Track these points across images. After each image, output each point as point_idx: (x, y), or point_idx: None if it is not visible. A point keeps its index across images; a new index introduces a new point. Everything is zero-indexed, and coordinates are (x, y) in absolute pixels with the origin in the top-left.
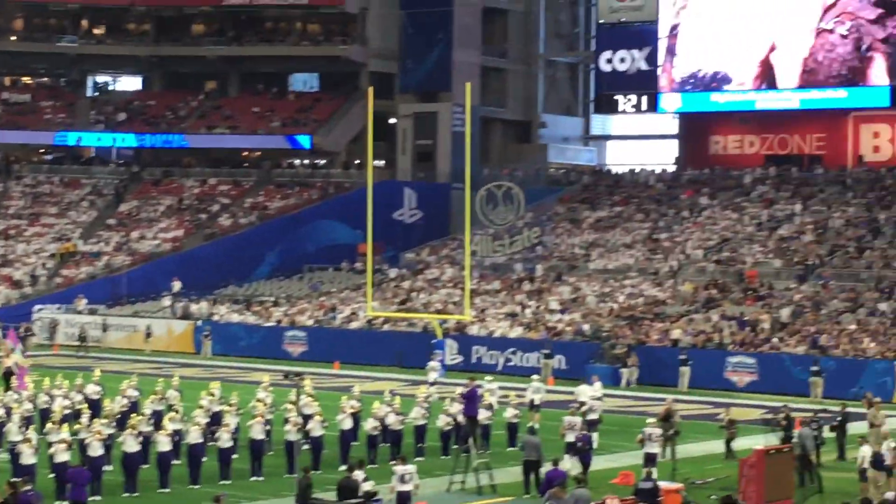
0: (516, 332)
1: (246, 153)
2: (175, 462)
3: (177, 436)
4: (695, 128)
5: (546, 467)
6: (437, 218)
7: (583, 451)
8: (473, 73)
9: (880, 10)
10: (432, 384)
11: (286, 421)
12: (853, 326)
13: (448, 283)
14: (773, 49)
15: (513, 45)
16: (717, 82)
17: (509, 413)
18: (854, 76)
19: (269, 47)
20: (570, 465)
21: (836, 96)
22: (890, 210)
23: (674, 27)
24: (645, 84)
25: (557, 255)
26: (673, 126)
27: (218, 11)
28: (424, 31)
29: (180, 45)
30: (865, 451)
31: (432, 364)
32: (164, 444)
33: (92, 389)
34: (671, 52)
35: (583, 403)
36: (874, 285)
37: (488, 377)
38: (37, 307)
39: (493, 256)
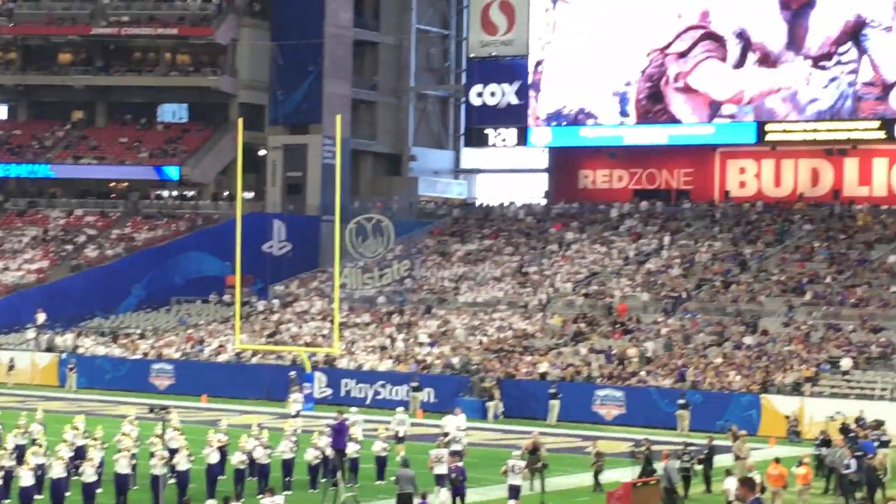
0: (385, 365)
1: (113, 184)
2: (37, 497)
3: (40, 470)
4: (564, 162)
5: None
6: (307, 250)
7: (457, 483)
8: (344, 105)
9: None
10: (295, 415)
11: (152, 455)
12: (719, 360)
13: (317, 315)
14: (631, 83)
15: (384, 77)
16: (582, 116)
17: (377, 446)
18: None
19: (137, 77)
20: (444, 497)
21: (703, 132)
22: (755, 245)
23: (539, 62)
24: (515, 118)
25: (427, 288)
26: (543, 160)
27: (85, 41)
28: (295, 62)
29: (47, 74)
30: (731, 484)
31: (294, 396)
32: (26, 478)
33: None
34: (536, 87)
35: (447, 434)
36: (740, 319)
37: (353, 409)
38: None
39: (363, 289)
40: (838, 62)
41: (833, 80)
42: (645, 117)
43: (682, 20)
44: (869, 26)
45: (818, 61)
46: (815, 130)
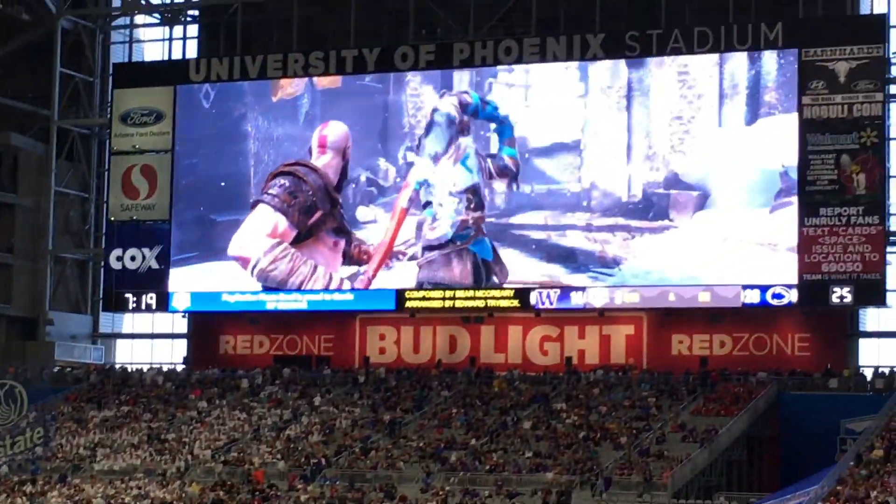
0: None
1: None
2: None
3: None
4: (205, 327)
5: None
6: None
7: None
8: None
9: None
10: None
11: None
12: None
13: None
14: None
15: (20, 239)
16: (224, 282)
17: None
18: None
19: None
20: None
21: (344, 299)
22: (394, 411)
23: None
24: (155, 282)
25: (61, 456)
26: (183, 325)
27: None
28: None
29: None
30: None
31: None
32: None
33: None
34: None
35: None
36: (378, 485)
37: None
38: None
39: None
40: None
41: None
42: (286, 283)
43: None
44: None
45: None
46: (452, 298)
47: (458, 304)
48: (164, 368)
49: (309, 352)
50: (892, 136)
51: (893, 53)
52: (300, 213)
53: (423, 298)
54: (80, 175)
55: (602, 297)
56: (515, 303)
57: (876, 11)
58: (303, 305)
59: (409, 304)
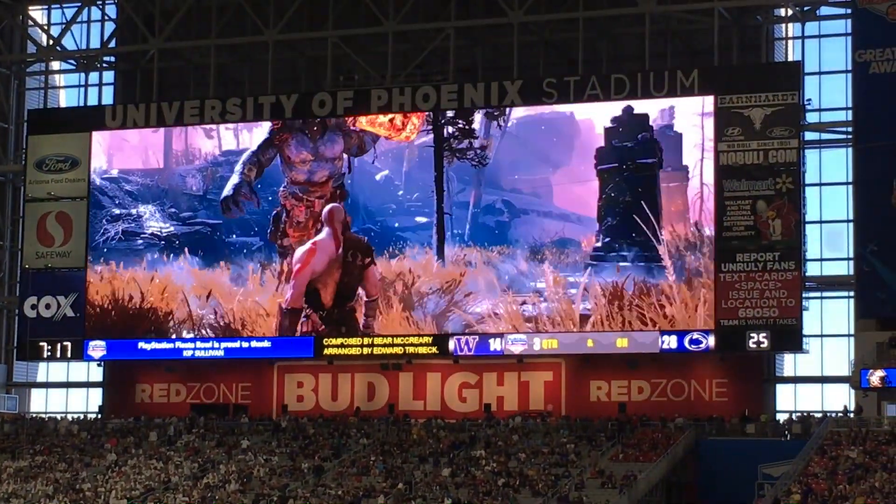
0: None
1: None
2: None
3: None
4: (121, 375)
5: None
6: None
7: None
8: None
9: None
10: None
11: None
12: None
13: None
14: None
15: None
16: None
17: None
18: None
19: None
20: None
21: (261, 346)
22: (313, 459)
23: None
24: (71, 330)
25: None
26: (98, 373)
27: None
28: None
29: None
30: None
31: None
32: None
33: None
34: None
35: None
36: None
37: None
38: None
39: None
40: None
41: None
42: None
43: None
44: None
45: None
46: (371, 345)
47: (377, 350)
48: (80, 418)
49: (226, 400)
50: (807, 181)
51: (808, 100)
52: None
53: (342, 346)
54: None
55: (520, 343)
56: (434, 349)
57: (790, 59)
58: (220, 353)
59: (326, 351)
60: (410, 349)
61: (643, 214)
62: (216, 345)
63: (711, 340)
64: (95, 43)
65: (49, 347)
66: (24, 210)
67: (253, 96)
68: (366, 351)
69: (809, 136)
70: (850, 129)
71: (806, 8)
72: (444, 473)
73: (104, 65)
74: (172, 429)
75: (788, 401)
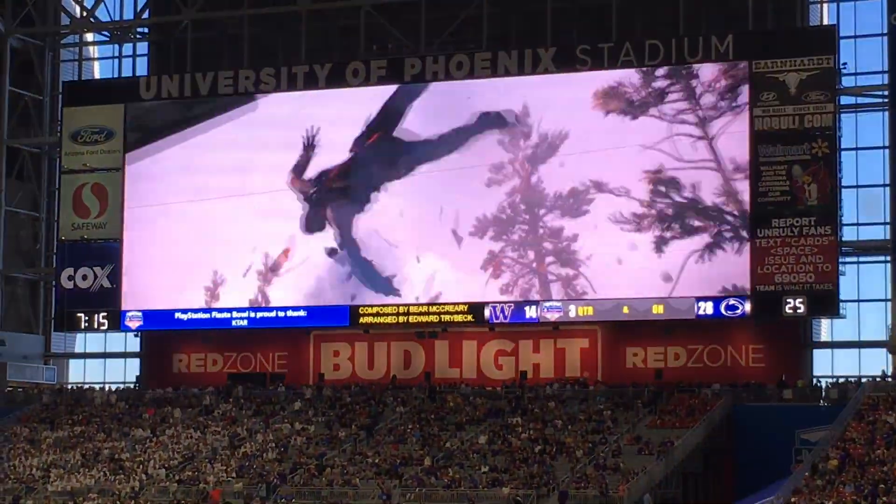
0: None
1: None
2: None
3: None
4: (158, 346)
5: None
6: None
7: None
8: None
9: None
10: None
11: None
12: None
13: None
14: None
15: None
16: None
17: None
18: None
19: None
20: None
21: (297, 315)
22: (350, 428)
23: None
24: (107, 301)
25: (15, 478)
26: (136, 344)
27: None
28: None
29: None
30: None
31: None
32: None
33: None
34: (128, 272)
35: None
36: (335, 502)
37: None
38: None
39: None
40: None
41: None
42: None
43: None
44: None
45: None
46: (406, 313)
47: (412, 319)
48: (119, 388)
49: (263, 369)
50: (843, 146)
51: (843, 64)
52: None
53: (377, 314)
54: (30, 194)
55: (556, 311)
56: (469, 317)
57: (825, 23)
58: (254, 323)
59: (362, 320)
60: (446, 317)
61: None
62: (252, 314)
63: (748, 306)
64: (129, 14)
65: (86, 318)
66: (59, 182)
67: (286, 66)
68: (401, 319)
69: (845, 100)
70: (886, 93)
71: None
72: (480, 441)
73: (138, 36)
74: (209, 398)
75: (825, 366)
